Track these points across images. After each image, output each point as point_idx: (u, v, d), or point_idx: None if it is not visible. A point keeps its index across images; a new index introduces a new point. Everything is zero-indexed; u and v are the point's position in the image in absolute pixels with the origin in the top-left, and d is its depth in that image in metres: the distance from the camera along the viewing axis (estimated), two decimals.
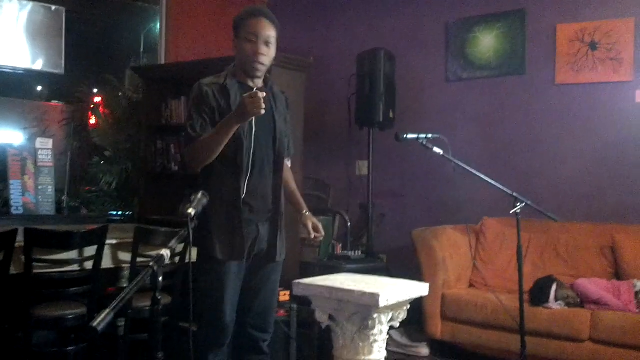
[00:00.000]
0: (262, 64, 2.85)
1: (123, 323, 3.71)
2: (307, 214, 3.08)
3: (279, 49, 2.94)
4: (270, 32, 2.84)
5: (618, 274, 4.38)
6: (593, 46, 4.90)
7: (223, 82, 2.86)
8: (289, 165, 3.20)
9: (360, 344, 2.87)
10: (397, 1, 5.89)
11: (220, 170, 2.83)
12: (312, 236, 3.05)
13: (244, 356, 3.00)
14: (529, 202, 3.28)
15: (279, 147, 2.92)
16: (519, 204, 3.24)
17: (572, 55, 4.98)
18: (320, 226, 3.06)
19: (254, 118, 2.76)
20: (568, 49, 4.99)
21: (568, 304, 4.11)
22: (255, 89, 2.86)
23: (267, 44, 2.83)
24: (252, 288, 2.93)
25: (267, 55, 2.85)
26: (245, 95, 2.64)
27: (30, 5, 4.73)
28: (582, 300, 4.12)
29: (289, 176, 3.12)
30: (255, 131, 2.85)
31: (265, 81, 2.96)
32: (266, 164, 2.87)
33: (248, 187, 2.82)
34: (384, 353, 2.95)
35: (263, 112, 2.63)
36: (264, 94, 2.67)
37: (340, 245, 5.46)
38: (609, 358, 3.86)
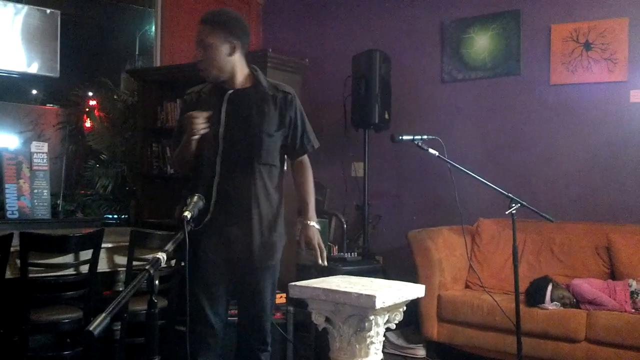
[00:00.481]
0: (200, 69, 2.85)
1: (119, 327, 3.71)
2: (307, 223, 2.99)
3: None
4: (203, 36, 2.80)
5: (613, 274, 4.39)
6: (587, 46, 4.91)
7: (200, 90, 2.93)
8: (307, 164, 3.17)
9: (357, 346, 2.87)
10: (392, 2, 5.90)
11: (199, 173, 2.86)
12: (304, 252, 3.05)
13: None
14: (524, 203, 3.29)
15: (256, 149, 2.84)
16: (514, 204, 3.24)
17: (567, 55, 4.99)
18: (312, 240, 2.96)
19: (223, 119, 2.80)
20: (562, 49, 5.01)
21: (564, 305, 4.12)
22: (230, 92, 2.85)
23: (202, 47, 2.81)
24: (242, 293, 2.92)
25: (204, 59, 2.82)
26: (186, 114, 2.77)
27: (25, 8, 4.72)
28: (578, 301, 4.13)
29: (303, 179, 3.08)
30: (222, 133, 2.82)
31: (254, 82, 2.92)
32: (239, 166, 2.82)
33: (218, 190, 2.81)
34: (381, 355, 2.96)
35: (196, 135, 2.74)
36: (209, 113, 2.75)
37: (337, 247, 5.46)
38: (604, 358, 3.87)
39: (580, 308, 4.09)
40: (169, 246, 2.03)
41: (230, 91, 2.87)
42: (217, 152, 2.81)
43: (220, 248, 2.83)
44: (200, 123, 2.73)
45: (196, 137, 2.75)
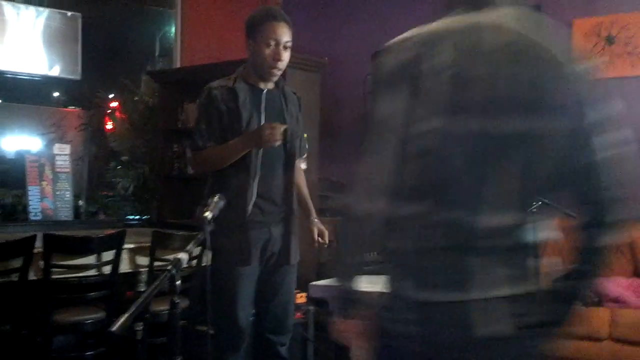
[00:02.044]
0: (280, 69, 2.85)
1: (141, 327, 3.73)
2: (315, 220, 3.08)
3: (292, 49, 2.93)
4: (288, 37, 2.83)
5: (637, 272, 4.33)
6: (610, 40, 4.85)
7: (232, 85, 2.85)
8: (304, 167, 3.20)
9: None
10: None
11: (230, 172, 2.83)
12: (316, 244, 3.06)
13: None
14: (545, 200, 3.25)
15: (290, 148, 2.91)
16: (535, 202, 3.21)
17: (589, 50, 4.93)
18: (326, 233, 3.07)
19: (263, 118, 2.79)
20: (585, 43, 4.95)
21: (586, 303, 4.07)
22: (265, 91, 2.87)
23: (285, 48, 2.83)
24: (267, 291, 2.92)
25: (285, 60, 2.85)
26: (265, 124, 2.74)
27: (46, 11, 4.77)
28: (601, 299, 4.08)
29: (301, 180, 3.11)
30: None
31: (277, 82, 2.95)
32: (277, 165, 2.86)
33: (259, 189, 2.81)
34: None
35: (278, 144, 2.73)
36: (285, 126, 2.75)
37: None
38: (628, 356, 3.82)
39: (603, 306, 4.05)
40: (191, 247, 2.04)
41: (265, 90, 2.88)
42: (257, 152, 2.81)
43: (257, 247, 2.84)
44: (279, 134, 2.73)
45: (269, 145, 2.75)
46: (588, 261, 1.47)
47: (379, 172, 1.42)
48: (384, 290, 1.51)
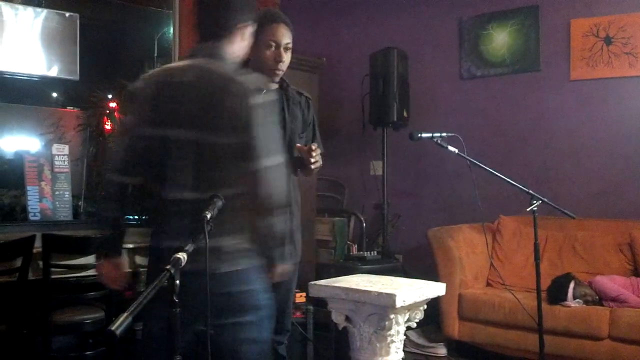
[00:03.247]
0: (281, 70, 2.87)
1: (141, 327, 3.72)
2: None
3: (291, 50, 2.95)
4: (289, 39, 2.85)
5: (637, 271, 4.34)
6: (608, 41, 4.86)
7: None
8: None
9: (378, 345, 2.87)
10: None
11: None
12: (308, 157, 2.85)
13: None
14: (545, 200, 3.26)
15: (292, 149, 2.92)
16: (535, 201, 3.22)
17: (587, 50, 4.94)
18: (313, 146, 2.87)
19: None
20: (583, 44, 4.96)
21: (586, 302, 4.08)
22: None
23: (286, 50, 2.85)
24: None
25: (286, 61, 2.87)
26: None
27: (44, 12, 4.76)
28: (601, 298, 4.09)
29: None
30: None
31: (280, 83, 2.97)
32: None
33: None
34: (402, 354, 2.95)
35: None
36: None
37: (356, 245, 5.46)
38: (628, 356, 3.83)
39: (603, 305, 4.06)
40: (189, 246, 2.04)
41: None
42: None
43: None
44: None
45: None
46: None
47: (117, 156, 2.26)
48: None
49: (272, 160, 2.11)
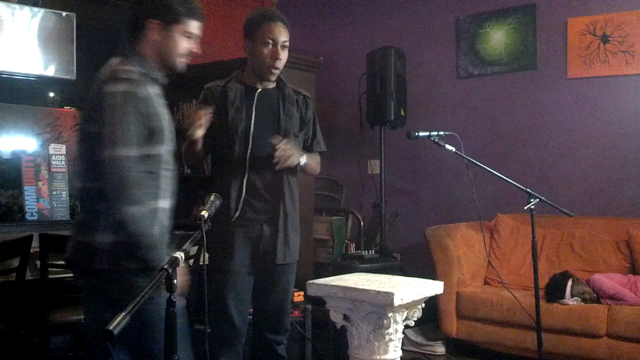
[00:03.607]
0: (278, 68, 2.87)
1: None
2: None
3: (288, 49, 2.95)
4: (286, 37, 2.86)
5: (634, 269, 4.35)
6: (605, 39, 4.86)
7: (223, 85, 2.92)
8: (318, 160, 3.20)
9: (376, 344, 2.86)
10: None
11: (220, 170, 2.87)
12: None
13: None
14: (543, 198, 3.27)
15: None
16: (532, 199, 3.22)
17: (584, 49, 4.94)
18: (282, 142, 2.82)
19: (254, 118, 2.83)
20: (579, 42, 4.96)
21: (584, 300, 4.09)
22: (259, 90, 2.89)
23: (283, 48, 2.85)
24: (262, 290, 2.94)
25: (283, 59, 2.87)
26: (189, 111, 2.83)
27: (41, 12, 4.74)
28: (598, 296, 4.09)
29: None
30: (253, 131, 2.86)
31: (278, 82, 2.97)
32: (266, 163, 2.85)
33: (247, 186, 2.83)
34: (400, 352, 2.95)
35: (197, 132, 2.67)
36: (206, 112, 2.68)
37: (354, 244, 5.46)
38: (626, 353, 3.83)
39: (600, 303, 4.06)
40: (187, 245, 2.04)
41: (260, 90, 2.90)
42: (247, 150, 2.82)
43: (247, 245, 2.85)
44: (197, 119, 2.70)
45: (190, 134, 2.73)
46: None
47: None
48: None
49: (127, 151, 2.14)
